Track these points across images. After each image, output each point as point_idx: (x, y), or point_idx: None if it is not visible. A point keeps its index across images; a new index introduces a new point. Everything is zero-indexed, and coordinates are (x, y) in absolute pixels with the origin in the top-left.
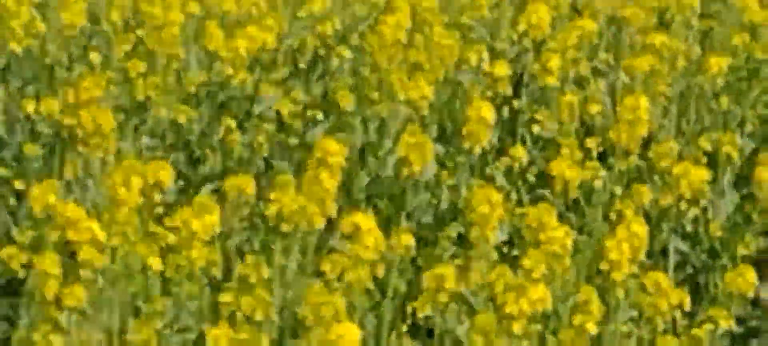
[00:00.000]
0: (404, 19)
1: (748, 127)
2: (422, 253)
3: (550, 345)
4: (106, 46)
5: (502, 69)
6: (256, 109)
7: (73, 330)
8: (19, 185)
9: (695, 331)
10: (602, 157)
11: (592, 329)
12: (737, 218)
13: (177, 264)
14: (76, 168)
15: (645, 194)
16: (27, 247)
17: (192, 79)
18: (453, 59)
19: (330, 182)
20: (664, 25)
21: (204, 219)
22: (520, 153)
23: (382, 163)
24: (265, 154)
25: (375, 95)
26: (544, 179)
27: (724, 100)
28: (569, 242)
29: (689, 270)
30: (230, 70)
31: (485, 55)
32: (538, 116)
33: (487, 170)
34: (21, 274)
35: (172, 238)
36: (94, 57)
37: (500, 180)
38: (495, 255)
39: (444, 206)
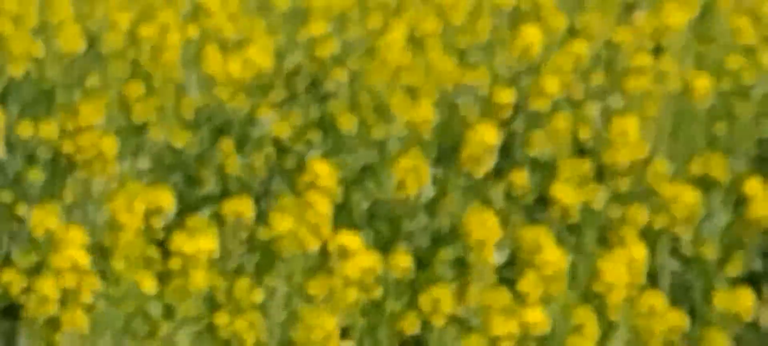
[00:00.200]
0: (402, 41)
1: (740, 149)
2: (420, 275)
3: None
4: (104, 70)
5: (506, 96)
6: (254, 133)
7: None
8: (20, 209)
9: None
10: (597, 179)
11: None
12: (728, 238)
13: (176, 287)
14: (76, 192)
15: (642, 215)
16: (26, 270)
17: (190, 103)
18: (451, 82)
19: (324, 206)
20: (659, 48)
21: (201, 243)
22: (520, 178)
23: (381, 185)
24: (263, 177)
25: (372, 118)
26: (542, 201)
27: (715, 122)
28: (564, 265)
29: (684, 291)
30: (227, 94)
31: (487, 80)
32: (533, 139)
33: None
34: (21, 299)
35: (172, 262)
36: (93, 81)
37: (499, 203)
38: (493, 277)
39: (444, 228)
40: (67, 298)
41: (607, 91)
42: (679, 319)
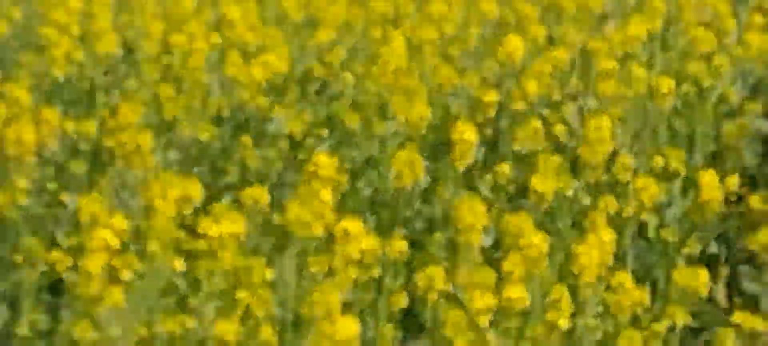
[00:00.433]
0: (401, 48)
1: (698, 145)
2: (415, 256)
3: (527, 339)
4: (138, 73)
5: (491, 96)
6: (270, 129)
7: (110, 324)
8: (65, 197)
9: (655, 325)
10: (573, 172)
11: (564, 324)
12: (686, 224)
13: (204, 266)
14: (114, 181)
15: (612, 204)
16: (70, 251)
17: (214, 102)
18: (444, 85)
19: (326, 194)
20: (627, 55)
21: (229, 227)
22: (504, 170)
23: (382, 176)
24: (278, 168)
25: (374, 116)
26: (524, 190)
27: (676, 120)
28: (545, 248)
29: (648, 270)
30: (247, 94)
31: (476, 82)
32: (518, 135)
33: (475, 183)
34: (66, 276)
35: (201, 243)
36: (129, 83)
37: (486, 192)
38: (479, 258)
39: (437, 214)
40: (107, 275)
41: (582, 94)
42: (642, 294)
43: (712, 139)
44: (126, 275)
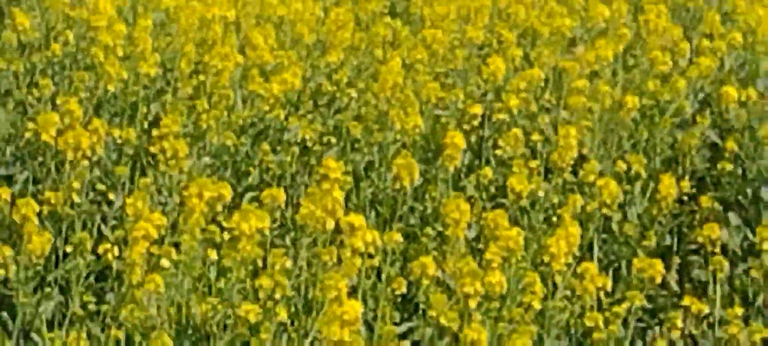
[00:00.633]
0: (397, 68)
1: (656, 152)
2: (410, 247)
3: (505, 320)
4: (174, 88)
5: (476, 108)
6: (286, 137)
7: (150, 305)
8: (111, 196)
9: (615, 308)
10: (546, 174)
11: (537, 305)
12: (645, 220)
13: (232, 255)
14: (155, 182)
15: (578, 202)
16: (116, 242)
17: (239, 114)
18: (435, 99)
19: (338, 193)
20: (595, 74)
21: (256, 222)
22: (487, 172)
23: (381, 177)
24: (292, 171)
25: (375, 126)
26: (503, 190)
27: (638, 131)
28: (520, 240)
29: (611, 261)
30: (267, 107)
31: (462, 96)
32: (500, 142)
33: (461, 183)
34: (112, 265)
35: (226, 236)
36: (165, 97)
37: (471, 191)
38: (464, 249)
39: (428, 210)
40: (147, 264)
41: (555, 107)
42: (605, 281)
43: (668, 146)
44: (164, 263)
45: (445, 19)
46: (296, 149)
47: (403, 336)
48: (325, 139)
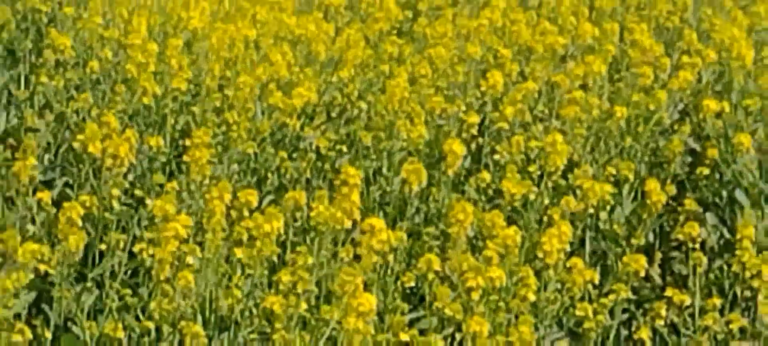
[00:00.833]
0: (404, 82)
1: (641, 158)
2: (415, 245)
3: (503, 311)
4: (202, 102)
5: (474, 118)
6: (302, 145)
7: (179, 300)
8: (146, 199)
9: (603, 299)
10: (541, 179)
11: (531, 297)
12: (633, 219)
13: (254, 254)
14: (181, 186)
15: (570, 203)
16: (149, 242)
17: (259, 125)
18: (438, 110)
19: (356, 196)
20: (585, 86)
21: (276, 223)
22: (485, 176)
23: (389, 181)
24: (308, 176)
25: (383, 135)
26: (500, 192)
27: (626, 138)
28: (517, 238)
29: (599, 257)
30: (285, 118)
31: (462, 107)
32: (498, 149)
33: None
34: (146, 263)
35: (247, 235)
36: (195, 109)
37: (471, 194)
38: (467, 246)
39: (433, 211)
40: (178, 261)
41: (548, 117)
42: (593, 275)
43: (652, 153)
44: (190, 260)
45: (444, 37)
46: (312, 156)
47: (410, 325)
48: (337, 147)
